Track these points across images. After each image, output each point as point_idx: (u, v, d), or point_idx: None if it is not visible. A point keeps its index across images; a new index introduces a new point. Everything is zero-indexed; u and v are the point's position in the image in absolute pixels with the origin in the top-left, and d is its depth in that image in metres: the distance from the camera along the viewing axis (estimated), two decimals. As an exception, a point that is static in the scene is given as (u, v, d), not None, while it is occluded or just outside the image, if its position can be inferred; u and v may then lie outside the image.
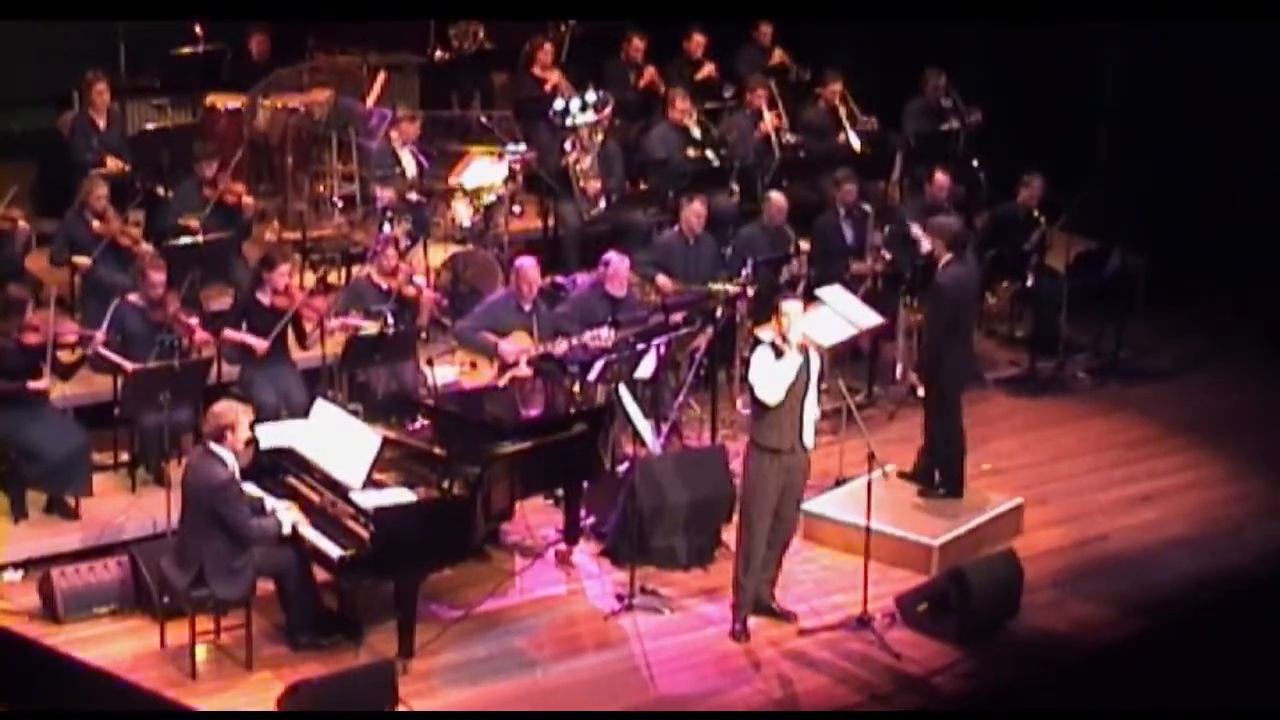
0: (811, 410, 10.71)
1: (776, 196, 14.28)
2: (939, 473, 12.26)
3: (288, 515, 10.40)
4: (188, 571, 10.24)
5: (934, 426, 12.33)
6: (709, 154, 15.37)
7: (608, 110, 15.23)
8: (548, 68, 16.20)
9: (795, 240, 14.17)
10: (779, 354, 10.54)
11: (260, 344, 12.14)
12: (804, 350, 10.59)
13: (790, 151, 15.61)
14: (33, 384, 11.40)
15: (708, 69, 16.63)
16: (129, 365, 11.66)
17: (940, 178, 14.65)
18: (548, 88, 15.97)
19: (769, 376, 10.51)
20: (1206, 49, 15.56)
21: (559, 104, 15.12)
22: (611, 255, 13.11)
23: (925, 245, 12.90)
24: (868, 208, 14.44)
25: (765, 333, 10.75)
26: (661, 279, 13.78)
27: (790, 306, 10.63)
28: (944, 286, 12.17)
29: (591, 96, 15.19)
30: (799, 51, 16.94)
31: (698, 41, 16.66)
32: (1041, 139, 15.45)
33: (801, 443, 10.68)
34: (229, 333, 12.24)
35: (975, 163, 15.58)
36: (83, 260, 12.89)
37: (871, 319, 13.00)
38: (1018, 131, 15.77)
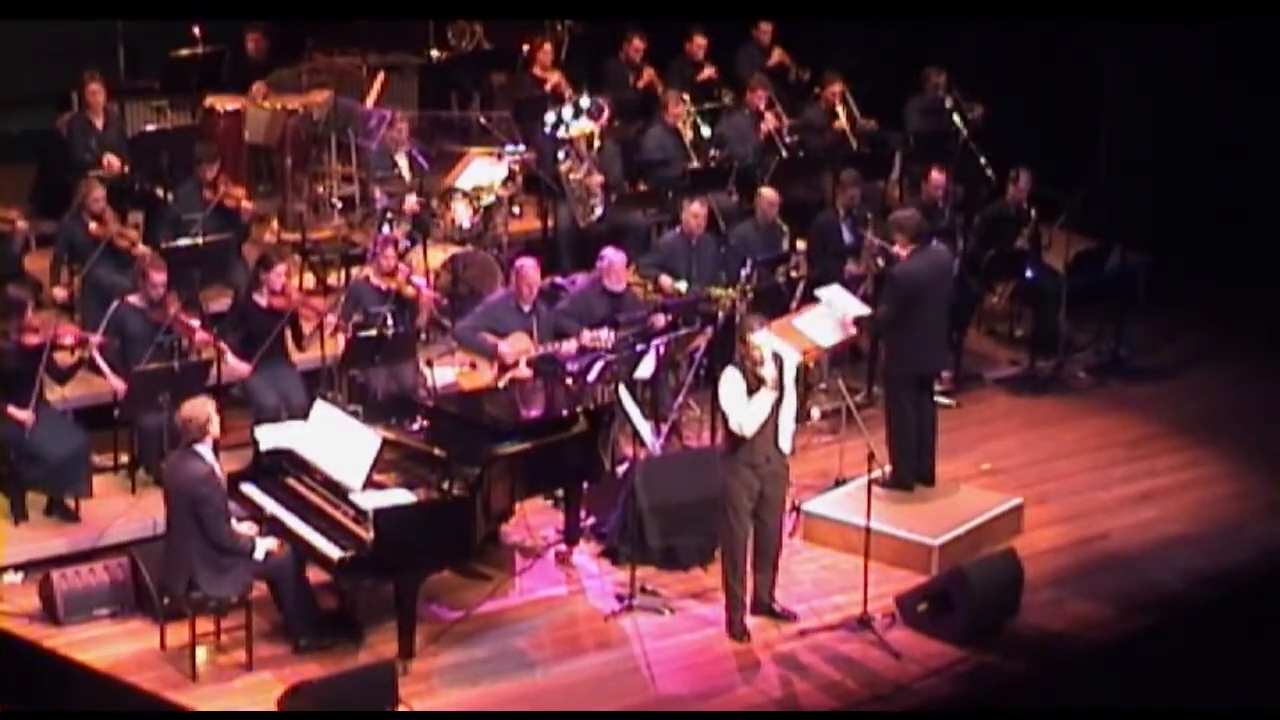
0: (789, 415, 10.63)
1: (767, 192, 14.25)
2: (890, 463, 12.13)
3: (263, 544, 10.40)
4: (180, 577, 10.25)
5: (888, 417, 12.33)
6: (704, 155, 15.33)
7: (604, 117, 15.20)
8: (548, 68, 16.20)
9: (788, 235, 14.13)
10: (749, 383, 10.45)
11: (244, 368, 12.11)
12: (779, 364, 10.50)
13: (790, 151, 15.59)
14: (14, 411, 11.32)
15: (709, 71, 16.61)
16: (117, 381, 11.65)
17: (936, 176, 14.64)
18: (548, 88, 15.97)
19: (747, 412, 10.43)
20: (1206, 49, 15.55)
21: (550, 116, 15.05)
22: (608, 250, 13.11)
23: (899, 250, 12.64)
24: (870, 215, 14.40)
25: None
26: (665, 280, 13.77)
27: (759, 338, 10.48)
28: (895, 278, 12.21)
29: (585, 102, 15.16)
30: (799, 51, 16.93)
31: (699, 43, 16.62)
32: (1041, 138, 15.44)
33: (778, 449, 10.63)
34: (223, 346, 12.21)
35: (982, 159, 15.53)
36: (61, 293, 12.88)
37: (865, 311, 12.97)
38: (1018, 131, 15.76)
